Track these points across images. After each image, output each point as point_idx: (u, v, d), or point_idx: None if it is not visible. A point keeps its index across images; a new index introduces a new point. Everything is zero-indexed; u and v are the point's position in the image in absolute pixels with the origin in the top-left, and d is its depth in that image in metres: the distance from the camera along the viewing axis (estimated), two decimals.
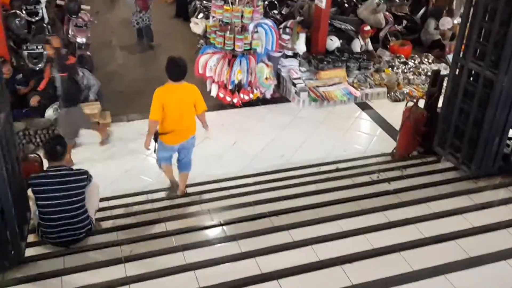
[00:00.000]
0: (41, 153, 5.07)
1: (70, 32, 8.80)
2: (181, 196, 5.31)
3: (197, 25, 9.52)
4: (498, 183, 4.49)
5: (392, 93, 8.48)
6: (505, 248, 3.31)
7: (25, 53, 7.60)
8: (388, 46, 10.19)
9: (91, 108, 7.32)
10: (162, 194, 5.48)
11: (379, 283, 3.02)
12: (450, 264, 3.17)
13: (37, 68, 7.57)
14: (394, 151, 5.98)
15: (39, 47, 7.62)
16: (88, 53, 8.85)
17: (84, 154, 6.67)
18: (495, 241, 3.45)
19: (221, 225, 4.08)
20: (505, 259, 3.17)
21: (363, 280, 3.07)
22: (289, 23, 8.56)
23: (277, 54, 8.46)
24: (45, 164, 4.09)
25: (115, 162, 6.53)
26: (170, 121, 4.94)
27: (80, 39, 8.71)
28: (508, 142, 4.65)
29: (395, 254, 3.33)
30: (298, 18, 9.18)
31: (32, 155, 5.05)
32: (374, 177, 5.10)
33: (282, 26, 8.52)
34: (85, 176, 3.92)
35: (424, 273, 3.11)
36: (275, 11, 9.71)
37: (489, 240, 3.48)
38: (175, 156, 5.35)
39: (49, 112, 7.35)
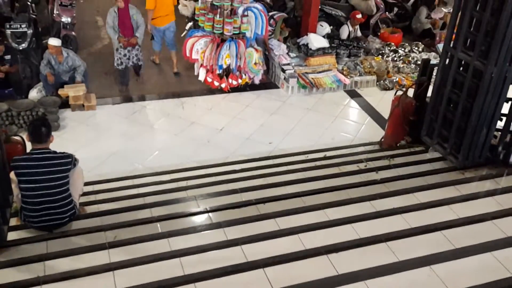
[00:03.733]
0: (24, 135, 4.99)
1: (55, 11, 8.60)
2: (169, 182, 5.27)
3: (185, 7, 9.36)
4: (484, 174, 4.51)
5: (382, 81, 8.47)
6: (491, 240, 3.33)
7: (8, 32, 7.41)
8: (379, 34, 10.15)
9: (76, 90, 7.20)
10: (148, 179, 5.42)
11: (365, 273, 3.02)
12: (436, 254, 3.18)
13: (20, 48, 7.39)
14: (382, 140, 5.98)
15: (22, 25, 7.43)
16: (73, 33, 8.67)
17: (69, 137, 6.57)
18: (481, 232, 3.46)
19: (207, 212, 4.05)
20: (491, 251, 3.19)
21: (348, 270, 3.06)
22: (276, 15, 8.45)
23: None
24: (28, 146, 4.00)
25: (100, 146, 6.44)
26: (158, 8, 8.09)
27: (65, 19, 8.52)
28: (495, 133, 4.66)
29: (381, 244, 3.32)
30: (286, 5, 9.07)
31: (15, 137, 4.93)
32: (362, 166, 5.10)
33: (269, 15, 8.40)
34: (70, 159, 3.83)
35: (410, 263, 3.11)
36: None
37: (475, 231, 3.49)
38: None
39: (33, 93, 7.22)
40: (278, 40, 8.61)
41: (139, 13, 7.74)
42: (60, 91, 7.18)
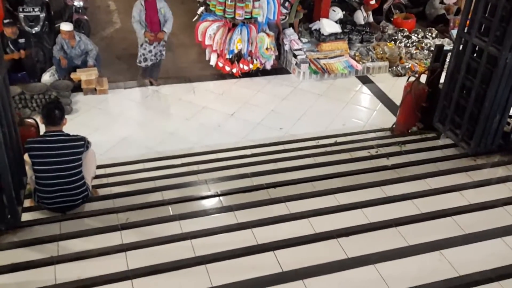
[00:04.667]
0: (37, 117, 5.04)
1: None
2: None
3: None
4: (496, 161, 4.49)
5: (394, 67, 8.40)
6: (501, 226, 3.32)
7: (21, 15, 7.44)
8: (392, 19, 10.05)
9: (88, 74, 7.23)
10: (159, 163, 5.46)
11: (374, 257, 3.03)
12: (446, 240, 3.18)
13: (33, 31, 7.43)
14: (394, 126, 5.95)
15: (35, 9, 7.45)
16: (85, 17, 8.68)
17: (81, 121, 6.62)
18: (492, 218, 3.45)
19: (218, 195, 4.08)
20: (501, 237, 3.18)
21: (358, 254, 3.07)
22: None
23: None
24: (42, 129, 4.05)
25: (112, 130, 6.49)
26: None
27: (77, 3, 8.53)
28: (508, 120, 4.62)
29: (391, 229, 3.33)
30: None
31: (29, 120, 4.99)
32: (373, 152, 5.08)
33: None
34: (83, 142, 3.86)
35: (420, 248, 3.11)
36: None
37: (485, 217, 3.48)
38: None
39: (46, 77, 7.27)
40: (293, 23, 8.55)
41: (167, 7, 7.34)
42: (73, 75, 7.22)
